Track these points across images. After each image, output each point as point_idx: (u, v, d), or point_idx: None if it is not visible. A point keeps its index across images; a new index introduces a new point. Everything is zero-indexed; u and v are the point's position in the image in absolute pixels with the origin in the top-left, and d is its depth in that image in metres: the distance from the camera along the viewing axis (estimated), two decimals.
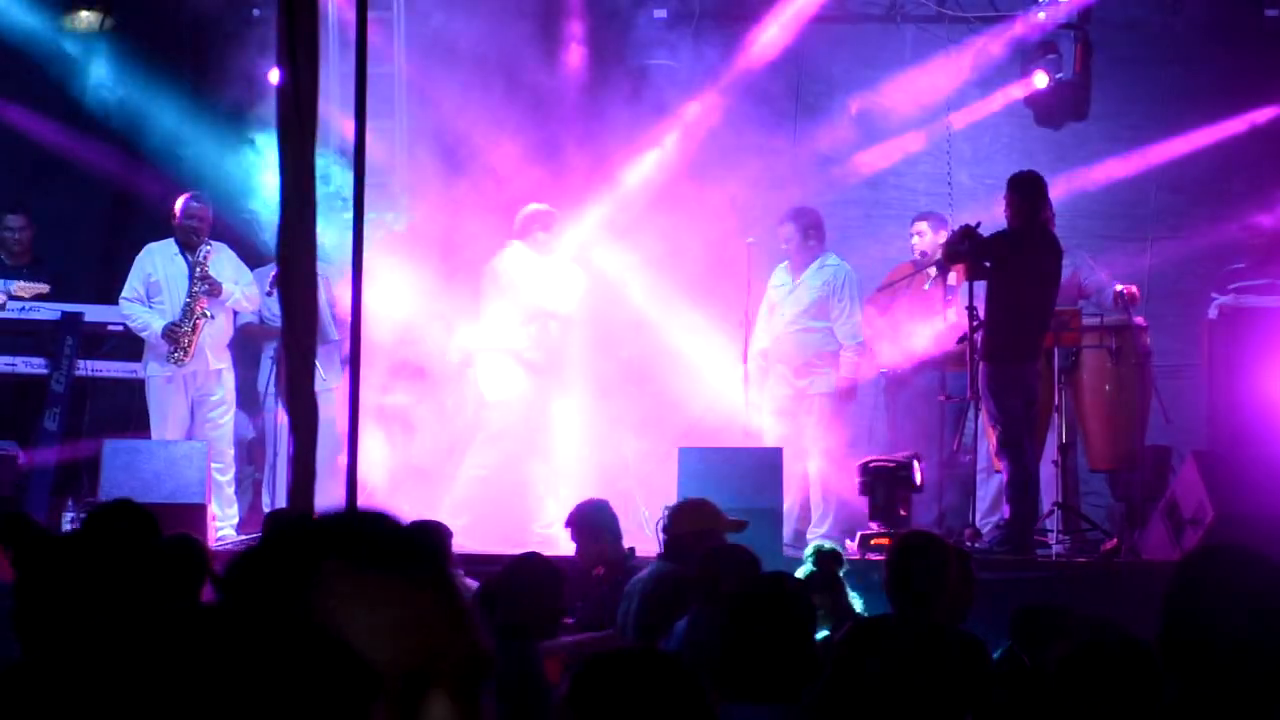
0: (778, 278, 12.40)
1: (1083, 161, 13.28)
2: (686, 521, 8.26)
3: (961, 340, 11.47)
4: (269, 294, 10.06)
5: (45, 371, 11.62)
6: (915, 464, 11.00)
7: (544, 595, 6.20)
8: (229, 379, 12.01)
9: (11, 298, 11.66)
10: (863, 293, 12.75)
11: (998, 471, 11.50)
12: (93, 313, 11.70)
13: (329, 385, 9.61)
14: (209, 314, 11.63)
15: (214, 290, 11.59)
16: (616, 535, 8.44)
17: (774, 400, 12.20)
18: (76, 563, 5.84)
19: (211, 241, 11.89)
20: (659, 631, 5.93)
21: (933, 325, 12.24)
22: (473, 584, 7.79)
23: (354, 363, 6.22)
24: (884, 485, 10.80)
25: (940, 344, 12.19)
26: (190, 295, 11.66)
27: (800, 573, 8.21)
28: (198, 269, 11.63)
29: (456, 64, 13.46)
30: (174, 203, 12.01)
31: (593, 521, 8.50)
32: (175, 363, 11.71)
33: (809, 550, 8.81)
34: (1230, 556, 4.81)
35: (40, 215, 12.74)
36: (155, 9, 13.71)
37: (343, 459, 6.73)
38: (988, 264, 10.97)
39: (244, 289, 11.81)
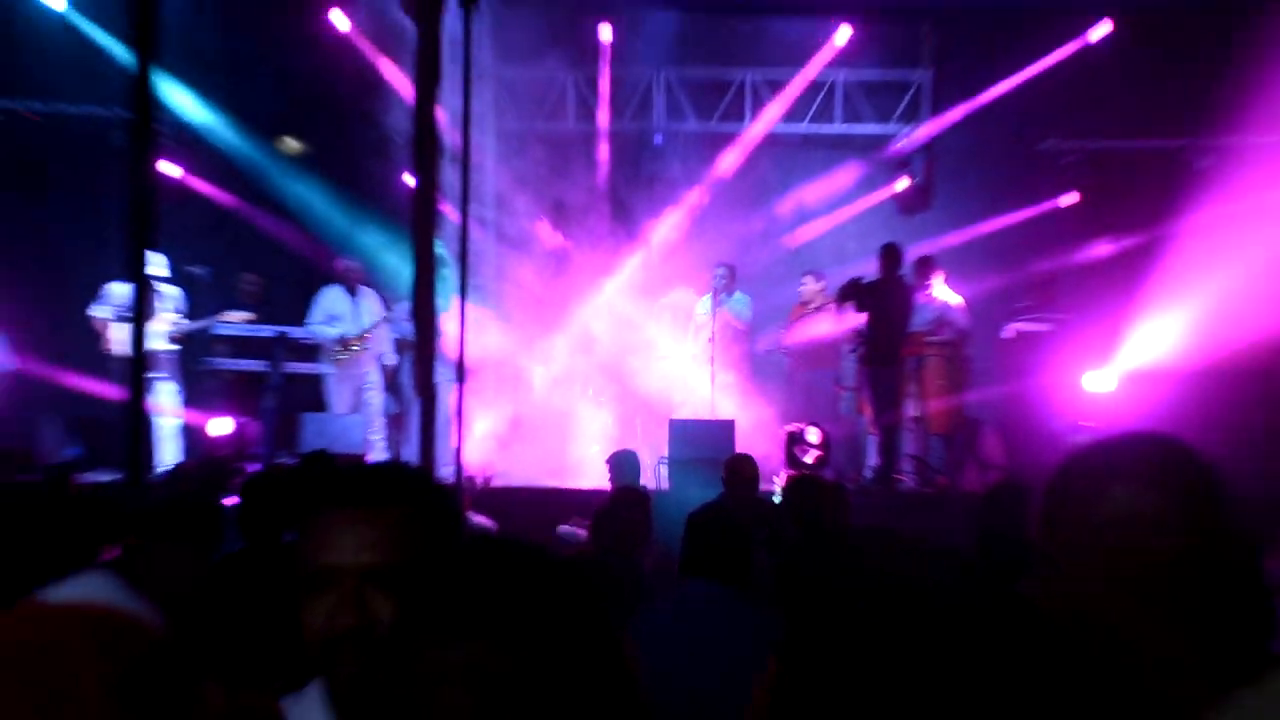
0: (701, 306, 12.43)
1: (928, 236, 13.15)
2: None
3: (852, 351, 11.64)
4: (407, 321, 10.13)
5: (265, 369, 11.57)
6: (811, 429, 10.82)
7: (636, 511, 6.01)
8: (375, 374, 12.08)
9: (220, 322, 11.42)
10: (775, 314, 12.93)
11: (872, 434, 11.61)
12: (293, 331, 11.65)
13: (442, 380, 9.63)
14: (361, 338, 11.76)
15: (369, 334, 11.85)
16: (637, 475, 8.49)
17: (724, 388, 11.89)
18: (300, 481, 5.75)
19: (362, 287, 12.07)
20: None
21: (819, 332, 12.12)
22: (487, 522, 7.69)
23: (460, 367, 6.31)
24: (792, 443, 10.61)
25: (823, 343, 12.27)
26: (355, 326, 11.79)
27: None
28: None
29: (528, 174, 13.53)
30: (338, 262, 12.39)
31: (623, 464, 8.57)
32: (339, 364, 11.88)
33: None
34: (1012, 488, 5.13)
35: (252, 265, 12.43)
36: (332, 138, 13.43)
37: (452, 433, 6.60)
38: (867, 301, 10.79)
39: (381, 323, 11.90)
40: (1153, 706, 1.55)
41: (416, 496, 1.84)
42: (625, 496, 6.47)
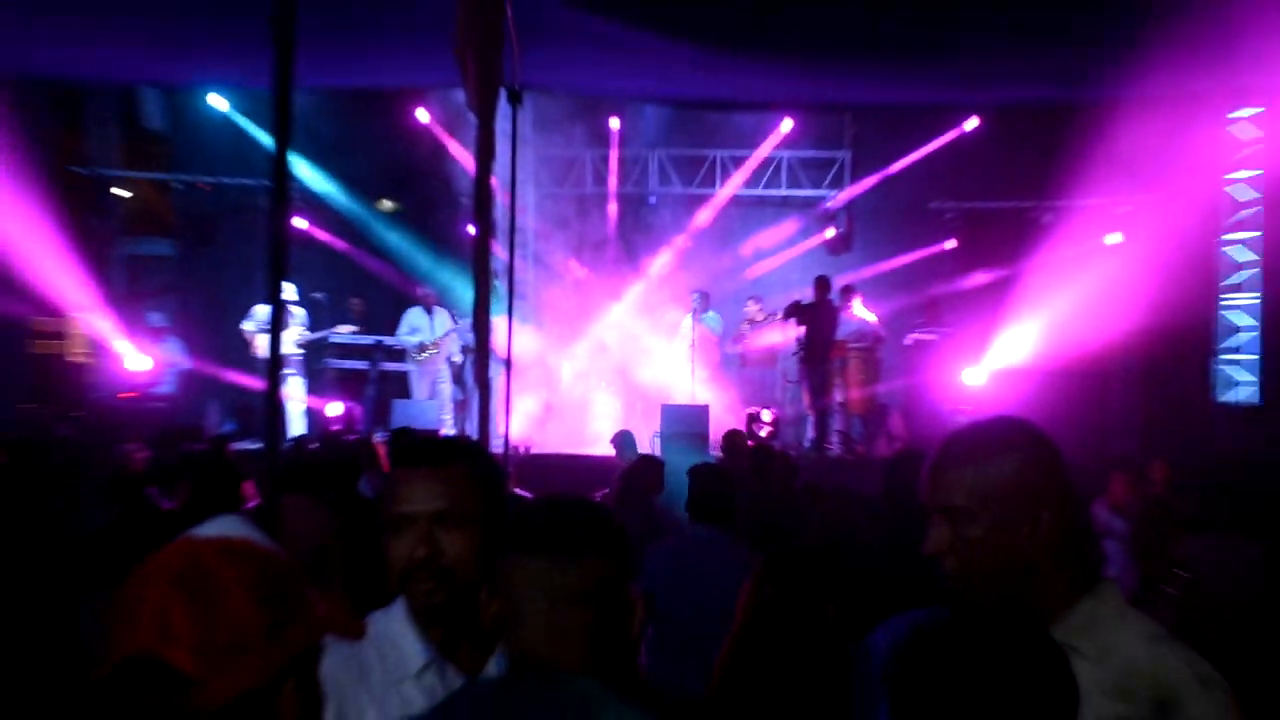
0: (685, 321, 12.22)
1: (849, 270, 13.14)
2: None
3: (794, 354, 11.40)
4: (469, 331, 10.12)
5: (366, 367, 11.56)
6: (765, 410, 11.14)
7: (653, 473, 5.82)
8: (445, 371, 11.96)
9: (334, 333, 11.48)
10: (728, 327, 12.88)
11: (809, 415, 11.58)
12: (386, 340, 11.65)
13: (494, 374, 9.59)
14: (435, 344, 11.61)
15: (441, 343, 11.74)
16: (635, 447, 8.40)
17: (702, 381, 11.79)
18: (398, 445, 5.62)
19: (436, 307, 11.90)
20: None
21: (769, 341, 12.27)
22: (525, 494, 7.79)
23: (507, 365, 6.30)
24: (751, 421, 10.82)
25: (770, 349, 12.49)
26: (431, 336, 11.70)
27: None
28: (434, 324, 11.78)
29: (558, 224, 13.73)
30: (418, 289, 12.34)
31: (623, 440, 8.51)
32: (419, 363, 11.69)
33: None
34: (911, 454, 4.54)
35: (357, 292, 12.48)
36: (415, 199, 13.45)
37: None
38: (805, 317, 10.91)
39: (450, 333, 11.79)
40: (1026, 610, 1.51)
41: (472, 460, 1.86)
42: (645, 461, 6.43)
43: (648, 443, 10.59)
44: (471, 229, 6.42)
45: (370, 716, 1.71)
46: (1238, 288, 11.57)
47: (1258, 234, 11.24)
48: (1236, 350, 11.62)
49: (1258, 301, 11.30)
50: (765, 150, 13.70)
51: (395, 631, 1.78)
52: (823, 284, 11.19)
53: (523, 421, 10.95)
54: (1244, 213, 11.42)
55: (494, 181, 6.06)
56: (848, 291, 11.79)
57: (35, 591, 3.86)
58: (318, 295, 11.65)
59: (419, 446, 1.88)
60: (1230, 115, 11.26)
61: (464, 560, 1.75)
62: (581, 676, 1.40)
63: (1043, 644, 1.27)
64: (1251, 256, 11.37)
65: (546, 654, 1.42)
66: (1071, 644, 1.39)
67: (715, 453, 9.00)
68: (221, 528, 1.16)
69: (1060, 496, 1.54)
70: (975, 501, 1.51)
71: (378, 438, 9.00)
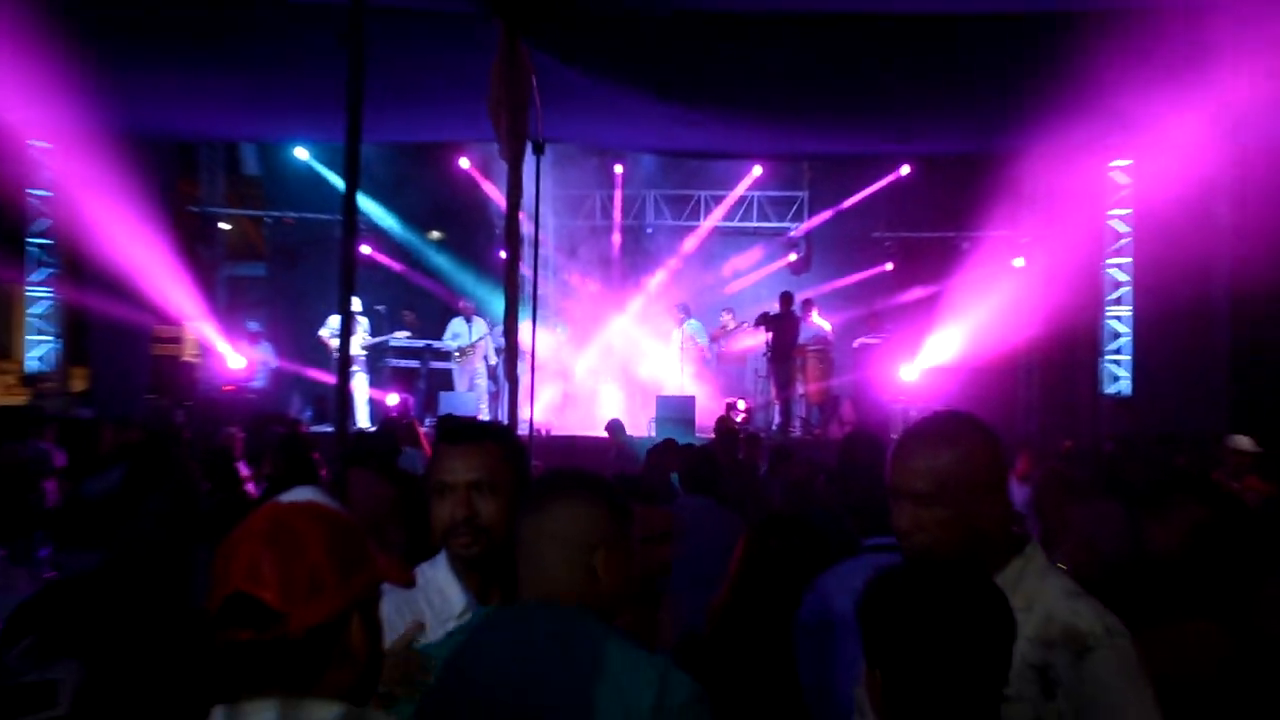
0: (675, 330, 12.17)
1: (808, 287, 13.00)
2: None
3: (764, 355, 11.43)
4: (501, 336, 10.06)
5: (418, 365, 11.57)
6: (740, 400, 11.19)
7: (671, 453, 5.55)
8: (482, 368, 11.72)
9: (392, 338, 11.46)
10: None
11: (776, 404, 11.54)
12: (434, 343, 11.63)
13: (521, 371, 9.48)
14: (473, 347, 11.47)
15: (476, 346, 11.52)
16: (624, 432, 8.35)
17: (689, 376, 11.84)
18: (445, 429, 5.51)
19: (475, 316, 11.74)
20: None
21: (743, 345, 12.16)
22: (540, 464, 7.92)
23: (531, 363, 6.29)
24: (729, 409, 10.57)
25: (744, 351, 12.37)
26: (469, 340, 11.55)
27: None
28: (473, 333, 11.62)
29: (572, 249, 13.65)
30: (460, 302, 12.18)
31: (616, 427, 8.49)
32: (459, 363, 11.56)
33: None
34: (860, 436, 4.65)
35: (409, 305, 12.29)
36: (458, 229, 13.42)
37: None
38: (772, 325, 10.99)
39: (485, 338, 11.58)
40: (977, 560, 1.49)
41: (503, 439, 1.87)
42: (666, 443, 6.33)
43: (646, 426, 10.50)
44: (503, 253, 6.52)
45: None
46: (1117, 301, 11.74)
47: (1130, 260, 11.60)
48: (1117, 352, 11.78)
49: (1130, 313, 11.60)
50: (740, 190, 13.65)
51: (440, 580, 1.78)
52: (786, 298, 11.20)
53: (543, 409, 10.79)
54: (1121, 242, 11.74)
55: (521, 215, 6.06)
56: (806, 304, 11.71)
57: (168, 543, 3.86)
58: (379, 307, 11.55)
59: (459, 428, 1.88)
60: (1110, 164, 11.52)
61: (496, 521, 1.74)
62: (583, 610, 1.42)
63: (990, 586, 1.27)
64: (1126, 277, 11.67)
65: (554, 591, 1.43)
66: None
67: (701, 435, 8.90)
68: (300, 495, 1.17)
69: (1001, 478, 1.52)
70: (935, 487, 1.47)
71: (427, 423, 9.01)
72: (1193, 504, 2.02)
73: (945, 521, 1.46)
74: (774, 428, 11.40)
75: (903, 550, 1.53)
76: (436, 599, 1.76)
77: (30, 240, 11.18)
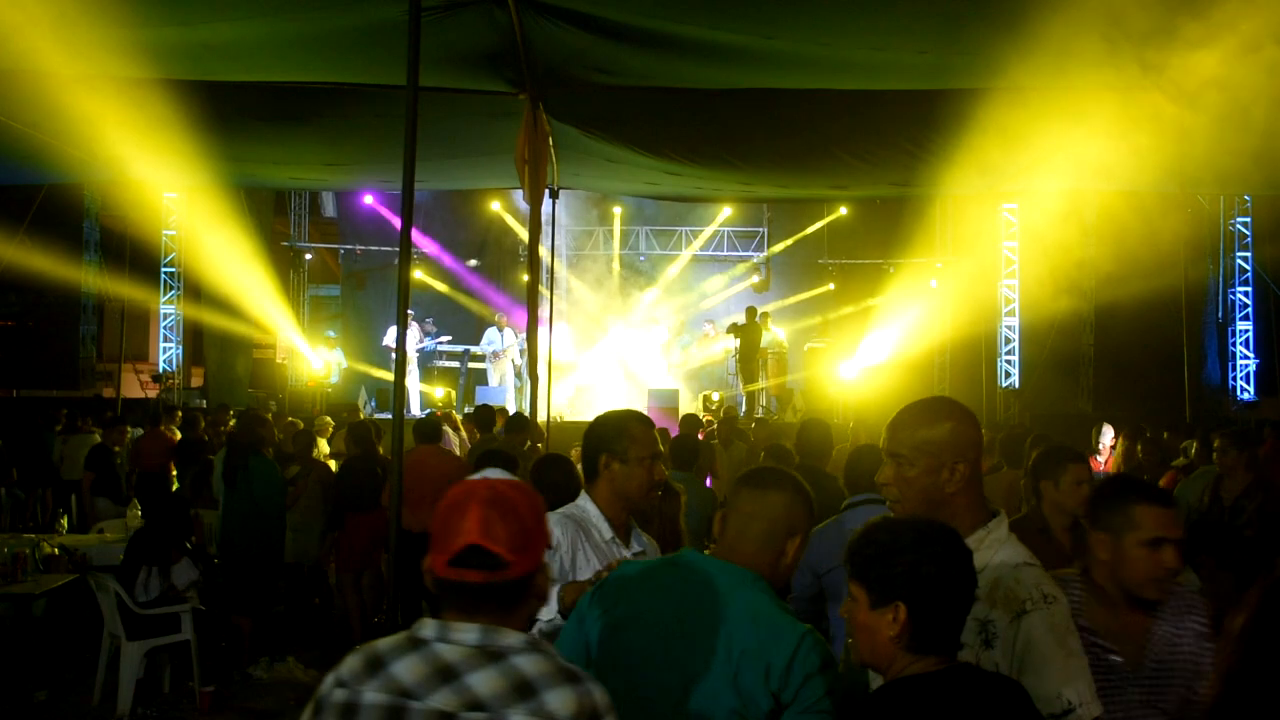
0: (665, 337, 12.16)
1: (768, 301, 12.86)
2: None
3: (733, 356, 11.23)
4: (525, 341, 9.96)
5: (459, 366, 11.55)
6: (716, 392, 11.09)
7: (694, 435, 5.32)
8: (510, 367, 11.28)
9: (439, 344, 11.43)
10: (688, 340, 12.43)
11: (741, 395, 11.12)
12: (472, 347, 11.59)
13: (541, 369, 9.38)
14: (504, 351, 11.11)
15: (506, 349, 11.15)
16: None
17: (674, 373, 11.82)
18: (479, 415, 5.41)
19: (505, 327, 11.40)
20: None
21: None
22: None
23: (549, 362, 6.24)
24: (705, 399, 10.72)
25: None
26: (501, 345, 11.28)
27: None
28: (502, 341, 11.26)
29: (581, 273, 13.48)
30: (494, 314, 11.87)
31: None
32: (492, 364, 11.33)
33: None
34: (813, 422, 4.02)
35: (451, 317, 12.26)
36: (489, 257, 13.39)
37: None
38: (740, 333, 10.74)
39: (513, 343, 11.28)
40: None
41: (524, 423, 1.95)
42: (690, 422, 6.23)
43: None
44: (525, 276, 6.48)
45: (592, 559, 1.82)
46: (1011, 314, 11.92)
47: (1017, 281, 11.72)
48: (1009, 354, 11.89)
49: (1017, 322, 11.66)
50: (713, 226, 13.51)
51: (593, 516, 1.88)
52: (751, 312, 11.02)
53: (559, 400, 10.64)
54: (1011, 266, 11.89)
55: (541, 246, 6.09)
56: (765, 316, 11.52)
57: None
58: (429, 320, 11.48)
59: (644, 418, 1.94)
60: (1002, 206, 11.59)
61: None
62: (759, 578, 1.37)
63: (957, 538, 1.23)
64: (1016, 295, 11.84)
65: (747, 557, 1.38)
66: None
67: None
68: (496, 473, 1.16)
69: (974, 455, 1.44)
70: (912, 451, 1.42)
71: (466, 411, 8.98)
72: None
73: (913, 481, 1.42)
74: (740, 414, 11.27)
75: (883, 497, 1.49)
76: (592, 528, 1.86)
77: (163, 269, 11.68)
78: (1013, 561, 1.39)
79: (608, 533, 1.87)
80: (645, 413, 2.00)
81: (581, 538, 1.83)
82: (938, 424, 1.43)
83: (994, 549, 1.40)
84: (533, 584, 1.10)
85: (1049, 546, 2.37)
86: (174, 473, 6.25)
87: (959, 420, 1.45)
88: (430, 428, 5.17)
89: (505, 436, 5.48)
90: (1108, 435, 5.60)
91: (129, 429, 7.13)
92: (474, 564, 1.06)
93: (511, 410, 8.58)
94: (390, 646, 1.08)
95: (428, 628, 1.08)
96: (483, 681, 1.02)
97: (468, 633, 1.06)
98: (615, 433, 1.87)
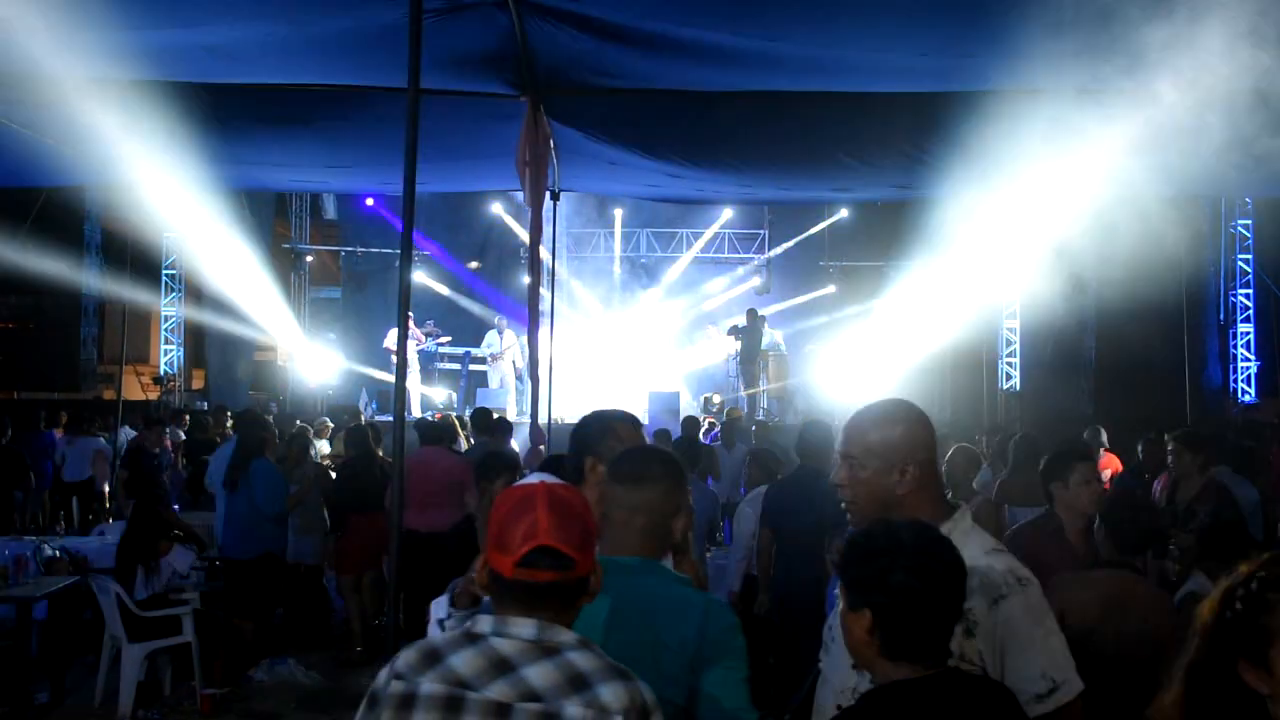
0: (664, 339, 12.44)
1: (769, 304, 12.92)
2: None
3: (734, 358, 11.24)
4: (526, 344, 9.97)
5: (459, 368, 11.58)
6: (716, 394, 11.12)
7: (696, 430, 5.40)
8: (511, 369, 11.33)
9: (439, 342, 11.40)
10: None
11: (743, 397, 11.05)
12: (472, 350, 11.62)
13: (542, 371, 9.37)
14: (503, 350, 11.14)
15: (505, 352, 11.15)
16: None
17: (675, 374, 11.91)
18: (478, 417, 5.40)
19: (505, 329, 11.42)
20: None
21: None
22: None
23: (550, 364, 6.26)
24: (706, 401, 10.88)
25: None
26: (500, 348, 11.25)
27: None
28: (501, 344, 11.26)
29: (582, 275, 13.69)
30: (494, 316, 11.90)
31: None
32: (492, 366, 11.32)
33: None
34: (812, 422, 4.21)
35: (453, 319, 12.28)
36: (489, 259, 13.43)
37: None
38: (741, 335, 10.80)
39: (513, 345, 11.29)
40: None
41: (507, 428, 1.93)
42: (691, 424, 6.33)
43: (640, 417, 10.42)
44: (526, 279, 6.47)
45: None
46: (1012, 317, 11.89)
47: (1018, 283, 11.50)
48: (1010, 357, 11.88)
49: (1017, 324, 11.64)
50: (714, 228, 13.56)
51: None
52: (752, 314, 11.05)
53: (559, 401, 10.82)
54: (1014, 270, 11.38)
55: (541, 248, 6.09)
56: (763, 319, 11.39)
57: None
58: (429, 321, 11.47)
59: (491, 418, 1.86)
60: (1004, 209, 11.42)
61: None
62: (651, 562, 1.41)
63: (944, 546, 1.21)
64: (1017, 298, 11.71)
65: (639, 547, 1.42)
66: None
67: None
68: (546, 477, 1.19)
69: (925, 456, 1.44)
70: (864, 454, 1.43)
71: (466, 413, 9.03)
72: None
73: (865, 483, 1.43)
74: (743, 415, 11.34)
75: (840, 499, 1.48)
76: None
77: (164, 271, 11.72)
78: (983, 550, 1.40)
79: None
80: (644, 413, 1.99)
81: None
82: (889, 427, 1.44)
83: (962, 541, 1.39)
84: (589, 582, 1.13)
85: (1062, 550, 2.34)
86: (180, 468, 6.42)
87: (910, 423, 1.45)
88: (438, 429, 5.15)
89: (491, 439, 5.51)
90: (1102, 437, 5.68)
91: (165, 430, 7.30)
92: (544, 564, 1.08)
93: (511, 412, 8.53)
94: (447, 641, 1.12)
95: (484, 623, 1.11)
96: (538, 674, 1.06)
97: (525, 628, 1.09)
98: (600, 434, 1.75)
